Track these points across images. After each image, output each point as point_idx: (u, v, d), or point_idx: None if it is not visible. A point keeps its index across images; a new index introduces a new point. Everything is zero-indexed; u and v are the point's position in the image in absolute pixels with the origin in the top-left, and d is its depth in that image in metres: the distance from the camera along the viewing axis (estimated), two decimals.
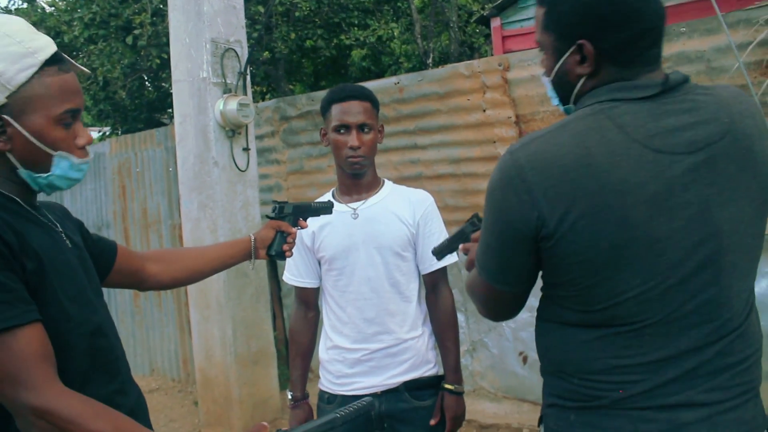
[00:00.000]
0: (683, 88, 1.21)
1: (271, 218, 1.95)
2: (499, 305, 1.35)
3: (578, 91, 1.26)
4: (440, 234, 2.17)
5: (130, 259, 1.67)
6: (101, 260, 1.55)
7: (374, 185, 2.18)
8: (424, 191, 2.23)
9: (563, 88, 1.29)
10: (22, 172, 1.27)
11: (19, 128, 1.22)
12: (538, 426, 1.39)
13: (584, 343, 1.22)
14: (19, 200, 1.27)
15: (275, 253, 1.91)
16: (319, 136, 4.93)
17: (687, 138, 1.15)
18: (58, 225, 1.36)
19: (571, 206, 1.12)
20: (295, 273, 2.23)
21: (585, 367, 1.21)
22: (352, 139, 2.07)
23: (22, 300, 1.16)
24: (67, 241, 1.35)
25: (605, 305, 1.17)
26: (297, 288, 2.25)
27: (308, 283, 2.22)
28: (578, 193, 1.12)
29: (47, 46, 1.25)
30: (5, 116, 1.21)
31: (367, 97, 2.12)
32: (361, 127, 2.08)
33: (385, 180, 2.23)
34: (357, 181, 2.14)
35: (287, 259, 2.25)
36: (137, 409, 1.42)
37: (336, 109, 2.10)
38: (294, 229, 1.94)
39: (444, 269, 2.19)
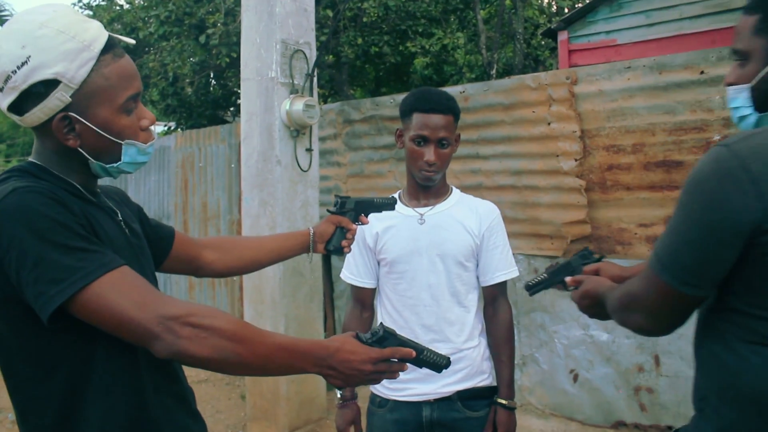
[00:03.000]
0: None
1: (332, 213, 1.92)
2: (672, 314, 1.25)
3: None
4: (504, 247, 2.14)
5: (188, 246, 1.67)
6: (159, 246, 1.57)
7: (443, 192, 2.16)
8: (491, 203, 2.20)
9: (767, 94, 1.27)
10: (93, 164, 1.29)
11: (88, 124, 1.23)
12: None
13: None
14: (80, 188, 1.29)
15: (333, 248, 1.87)
16: (380, 141, 5.00)
17: None
18: (119, 212, 1.38)
19: None
20: (354, 272, 2.23)
21: None
22: (430, 153, 2.02)
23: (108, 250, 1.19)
24: (126, 229, 1.37)
25: None
26: (354, 287, 2.25)
27: (366, 283, 2.22)
28: None
29: (100, 35, 1.24)
30: (72, 114, 1.22)
31: (451, 109, 2.06)
32: (440, 142, 2.03)
33: (453, 187, 2.20)
34: (426, 187, 2.12)
35: (346, 256, 2.25)
36: (188, 395, 1.44)
37: (417, 119, 2.04)
38: (354, 226, 1.89)
39: (504, 283, 2.17)
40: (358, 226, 1.92)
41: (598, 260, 1.73)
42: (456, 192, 2.20)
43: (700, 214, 1.15)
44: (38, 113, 1.21)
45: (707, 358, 1.25)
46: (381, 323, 1.32)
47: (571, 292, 1.65)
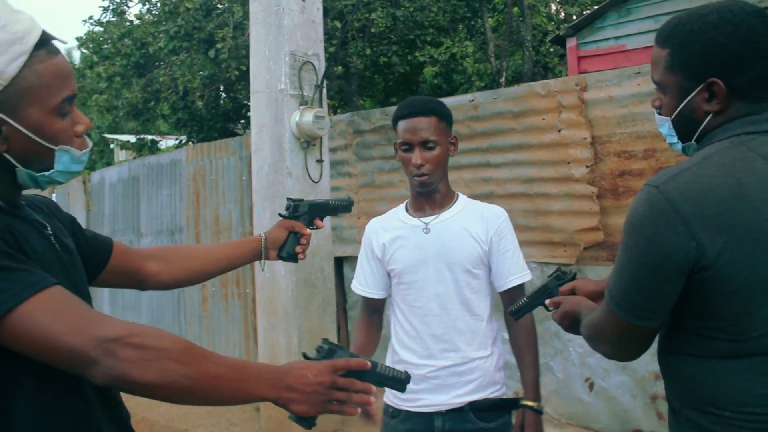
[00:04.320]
0: None
1: (285, 217, 1.86)
2: (633, 343, 1.34)
3: (704, 128, 1.29)
4: (514, 251, 2.13)
5: (128, 258, 1.55)
6: (94, 260, 1.44)
7: (447, 200, 2.15)
8: (497, 207, 2.18)
9: (687, 126, 1.32)
10: (21, 172, 1.16)
11: (17, 125, 1.10)
12: None
13: (736, 374, 1.21)
14: (1, 201, 1.16)
15: (287, 255, 1.81)
16: (391, 151, 5.00)
17: None
18: (48, 226, 1.25)
19: (731, 235, 1.15)
20: (363, 283, 2.23)
21: (738, 399, 1.21)
22: (415, 157, 2.03)
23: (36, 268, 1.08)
24: (57, 244, 1.24)
25: (762, 332, 1.18)
26: (364, 298, 2.26)
27: (376, 294, 2.22)
28: (736, 221, 1.15)
29: (33, 27, 1.10)
30: (0, 114, 1.09)
31: (433, 111, 2.06)
32: (424, 144, 2.04)
33: (459, 194, 2.19)
34: (428, 196, 2.12)
35: (357, 267, 2.26)
36: (126, 418, 1.33)
37: (401, 126, 2.07)
38: (309, 231, 1.84)
39: (522, 286, 2.14)
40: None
41: (573, 279, 1.77)
42: (462, 199, 2.18)
43: (641, 257, 1.23)
44: None
45: (667, 368, 1.35)
46: (324, 339, 1.27)
47: (552, 313, 1.68)
